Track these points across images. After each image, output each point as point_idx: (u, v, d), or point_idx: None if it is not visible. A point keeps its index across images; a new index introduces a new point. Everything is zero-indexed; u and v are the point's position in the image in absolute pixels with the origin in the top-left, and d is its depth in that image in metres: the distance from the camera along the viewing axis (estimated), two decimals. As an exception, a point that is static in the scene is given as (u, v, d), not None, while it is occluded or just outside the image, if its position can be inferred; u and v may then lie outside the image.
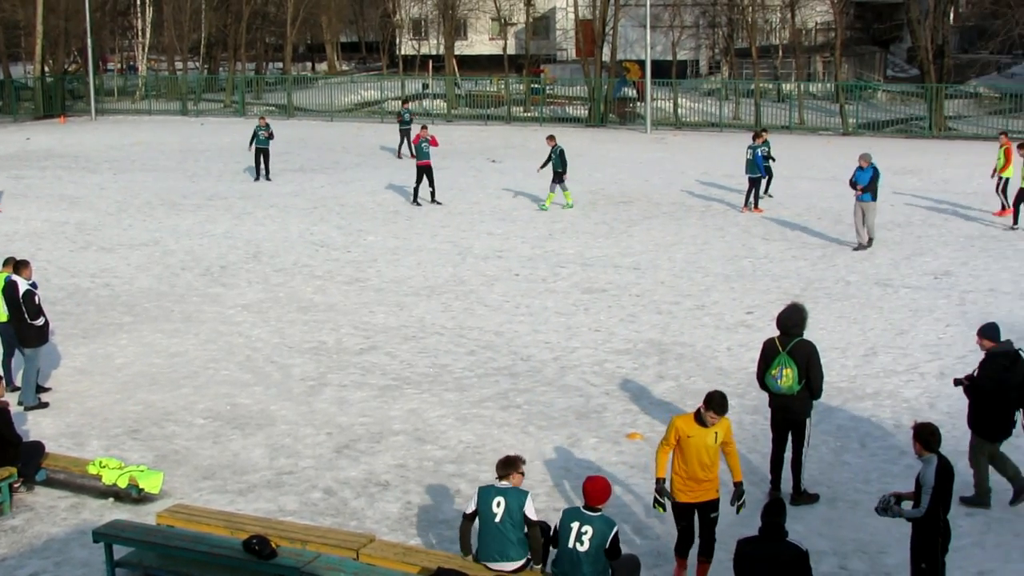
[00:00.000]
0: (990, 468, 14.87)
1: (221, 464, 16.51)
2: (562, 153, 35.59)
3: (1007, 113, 56.90)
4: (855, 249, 29.41)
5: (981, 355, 14.88)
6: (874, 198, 29.26)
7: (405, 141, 48.74)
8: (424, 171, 36.88)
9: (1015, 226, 31.76)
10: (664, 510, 12.80)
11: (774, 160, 37.82)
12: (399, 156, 48.98)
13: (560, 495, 15.21)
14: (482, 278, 27.45)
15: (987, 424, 14.58)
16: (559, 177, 35.72)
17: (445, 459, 16.59)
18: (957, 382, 15.02)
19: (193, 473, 16.20)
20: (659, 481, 12.73)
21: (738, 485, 12.93)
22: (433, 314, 24.34)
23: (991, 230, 31.95)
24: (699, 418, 12.59)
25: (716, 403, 12.57)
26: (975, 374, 14.74)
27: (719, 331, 22.82)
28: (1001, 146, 33.88)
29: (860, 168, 29.27)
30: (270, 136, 43.06)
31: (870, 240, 29.60)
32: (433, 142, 37.06)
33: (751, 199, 35.18)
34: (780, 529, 10.93)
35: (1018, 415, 14.58)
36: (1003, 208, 33.17)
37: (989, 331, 14.85)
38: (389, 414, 18.42)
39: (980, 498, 14.84)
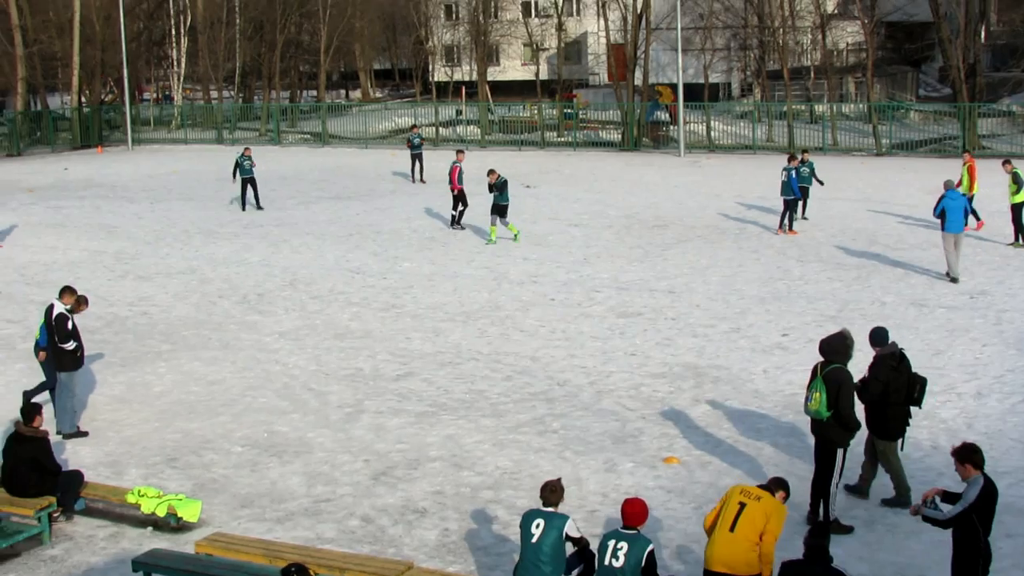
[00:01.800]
0: (879, 467, 15.67)
1: (259, 492, 16.58)
2: (504, 185, 34.47)
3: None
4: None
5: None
6: (943, 227, 28.37)
7: (417, 164, 49.44)
8: (457, 197, 37.42)
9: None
10: None
11: (822, 183, 37.91)
12: (413, 181, 49.59)
13: (597, 520, 15.19)
14: (518, 303, 27.50)
15: (884, 424, 15.27)
16: (502, 211, 34.67)
17: (482, 485, 16.62)
18: None
19: (231, 501, 16.28)
20: None
21: None
22: (469, 340, 24.39)
23: (1028, 249, 31.84)
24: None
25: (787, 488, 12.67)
26: (866, 378, 15.33)
27: (755, 354, 22.79)
28: (964, 164, 34.69)
29: None
30: (254, 165, 43.07)
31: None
32: (454, 171, 37.44)
33: (786, 221, 35.15)
34: (824, 552, 10.92)
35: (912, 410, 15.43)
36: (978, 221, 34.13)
37: (878, 336, 15.49)
38: (426, 440, 18.46)
39: (901, 496, 15.44)
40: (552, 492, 12.30)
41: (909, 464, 16.81)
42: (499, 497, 16.15)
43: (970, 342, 23.00)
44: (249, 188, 42.79)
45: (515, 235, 35.17)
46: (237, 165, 43.05)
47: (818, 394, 14.51)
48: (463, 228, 37.46)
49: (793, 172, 34.86)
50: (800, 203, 36.59)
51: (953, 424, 18.46)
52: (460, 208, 37.65)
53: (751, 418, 19.07)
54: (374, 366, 22.59)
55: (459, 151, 39.61)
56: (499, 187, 34.43)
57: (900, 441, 15.42)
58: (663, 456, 17.52)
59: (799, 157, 37.26)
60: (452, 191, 37.71)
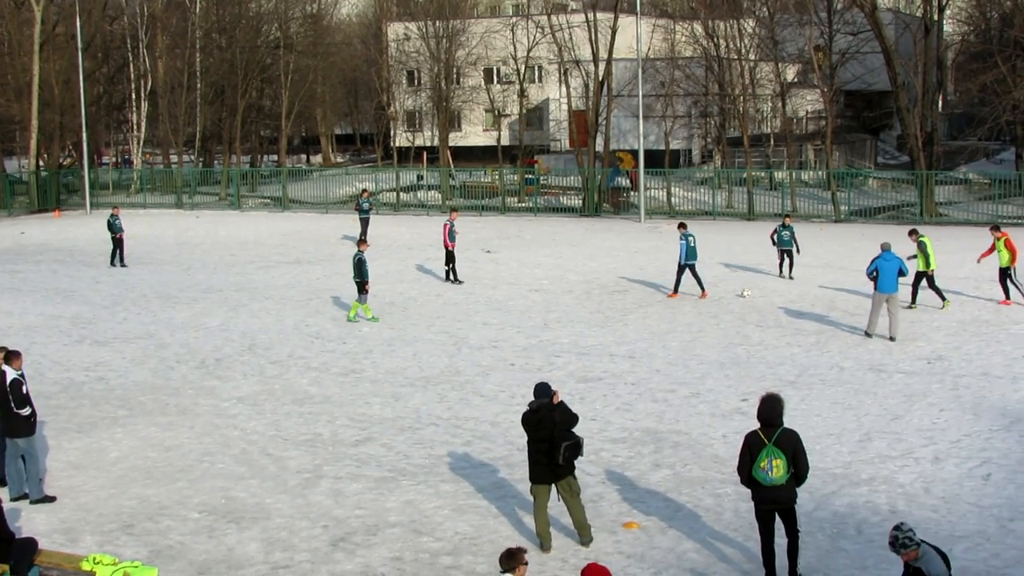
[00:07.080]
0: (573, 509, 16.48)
1: (216, 559, 16.43)
2: (358, 263, 33.07)
3: (996, 199, 57.26)
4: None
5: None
6: (875, 287, 29.32)
7: (365, 229, 49.54)
8: (448, 253, 39.65)
9: None
10: None
11: (798, 251, 38.70)
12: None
13: (557, 586, 15.13)
14: (477, 368, 27.46)
15: (531, 465, 16.29)
16: (360, 287, 33.22)
17: (442, 551, 16.52)
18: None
19: (188, 568, 16.11)
20: None
21: None
22: (429, 405, 24.32)
23: (983, 314, 32.08)
24: None
25: None
26: None
27: (714, 419, 22.81)
28: (999, 238, 33.88)
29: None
30: (123, 229, 46.63)
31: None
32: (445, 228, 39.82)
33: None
34: None
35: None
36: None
37: (537, 389, 16.43)
38: (385, 506, 18.36)
39: (543, 542, 16.37)
40: (510, 558, 12.23)
41: (867, 528, 16.88)
42: (459, 563, 16.06)
43: (928, 407, 23.11)
44: (118, 247, 46.18)
45: (369, 317, 33.49)
46: (109, 225, 46.48)
47: (778, 461, 14.57)
48: (460, 283, 39.40)
49: (691, 239, 34.97)
50: (787, 263, 39.13)
51: (911, 489, 18.50)
52: (450, 265, 39.71)
53: (711, 483, 19.06)
54: (333, 431, 22.48)
55: (453, 210, 43.45)
56: (354, 262, 33.42)
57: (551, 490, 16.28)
58: (623, 521, 17.49)
59: (781, 221, 39.40)
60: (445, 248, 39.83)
